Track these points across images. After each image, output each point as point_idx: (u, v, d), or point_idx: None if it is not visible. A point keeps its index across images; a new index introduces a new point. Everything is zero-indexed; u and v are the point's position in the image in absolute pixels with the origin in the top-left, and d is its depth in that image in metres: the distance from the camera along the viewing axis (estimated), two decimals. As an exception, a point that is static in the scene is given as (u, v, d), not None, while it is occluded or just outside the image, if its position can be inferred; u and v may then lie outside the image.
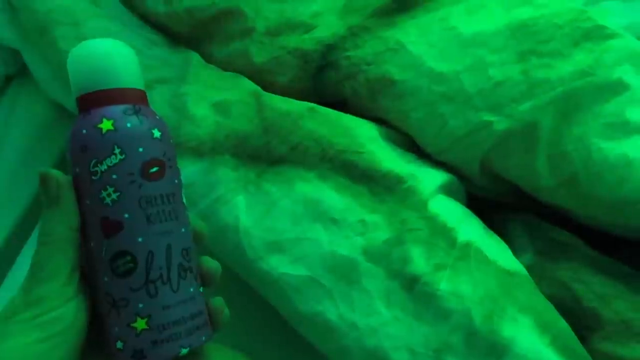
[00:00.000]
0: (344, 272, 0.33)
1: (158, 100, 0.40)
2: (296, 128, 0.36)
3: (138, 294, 0.25)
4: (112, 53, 0.25)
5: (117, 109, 0.25)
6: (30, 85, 0.54)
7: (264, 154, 0.36)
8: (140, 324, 0.25)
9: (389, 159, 0.35)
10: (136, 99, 0.25)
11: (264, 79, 0.41)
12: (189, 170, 0.37)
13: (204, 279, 0.28)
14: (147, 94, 0.26)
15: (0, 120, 0.54)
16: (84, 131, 0.24)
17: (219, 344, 0.38)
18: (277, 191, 0.35)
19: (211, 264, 0.28)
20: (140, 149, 0.24)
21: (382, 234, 0.33)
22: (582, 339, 0.31)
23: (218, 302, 0.28)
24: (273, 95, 0.39)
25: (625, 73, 0.33)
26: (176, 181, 0.26)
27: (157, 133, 0.25)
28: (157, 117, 0.26)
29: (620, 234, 0.35)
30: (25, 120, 0.54)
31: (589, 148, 0.32)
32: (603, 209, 0.33)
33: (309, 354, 0.36)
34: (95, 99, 0.25)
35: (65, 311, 0.24)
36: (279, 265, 0.34)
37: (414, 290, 0.31)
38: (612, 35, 0.34)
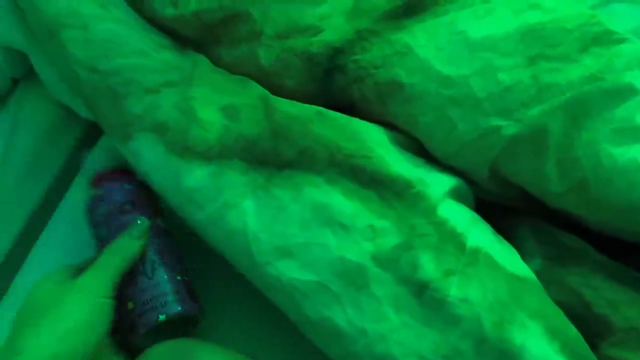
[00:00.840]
0: (353, 277, 0.33)
1: (165, 104, 0.40)
2: (304, 132, 0.36)
3: (128, 286, 0.37)
4: None
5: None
6: (37, 87, 0.53)
7: (273, 158, 0.36)
8: (130, 305, 0.37)
9: (398, 163, 0.35)
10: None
11: (272, 82, 0.41)
12: (196, 174, 0.37)
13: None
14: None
15: (8, 122, 0.54)
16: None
17: (224, 347, 0.38)
18: (286, 196, 0.35)
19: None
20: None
21: (391, 239, 0.33)
22: (592, 346, 0.30)
23: None
24: (281, 99, 0.39)
25: (635, 78, 0.33)
26: (149, 212, 0.41)
27: (127, 186, 0.42)
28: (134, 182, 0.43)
29: (630, 240, 0.34)
30: (33, 123, 0.54)
31: (598, 153, 0.32)
32: (613, 215, 0.33)
33: (317, 359, 0.36)
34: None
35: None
36: (288, 270, 0.34)
37: (423, 296, 0.31)
38: (621, 40, 0.34)
